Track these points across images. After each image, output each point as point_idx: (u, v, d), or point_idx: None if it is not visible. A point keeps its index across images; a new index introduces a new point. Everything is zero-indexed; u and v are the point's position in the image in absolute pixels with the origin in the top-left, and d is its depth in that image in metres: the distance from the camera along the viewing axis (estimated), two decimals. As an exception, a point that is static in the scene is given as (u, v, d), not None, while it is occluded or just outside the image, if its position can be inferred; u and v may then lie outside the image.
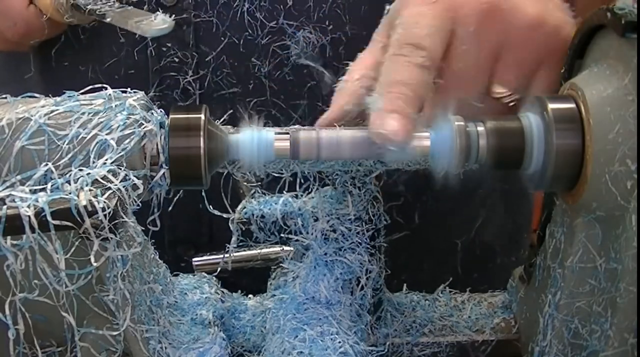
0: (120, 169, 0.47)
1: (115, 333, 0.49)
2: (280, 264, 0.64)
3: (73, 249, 0.45)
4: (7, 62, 0.85)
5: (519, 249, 0.89)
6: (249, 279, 0.77)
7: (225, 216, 0.61)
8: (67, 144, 0.48)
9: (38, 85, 0.81)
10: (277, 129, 0.53)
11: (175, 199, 0.55)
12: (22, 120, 0.48)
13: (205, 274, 0.66)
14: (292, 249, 0.63)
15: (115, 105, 0.49)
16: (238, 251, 0.64)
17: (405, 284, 0.69)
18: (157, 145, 0.50)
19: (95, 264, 0.44)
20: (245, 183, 0.63)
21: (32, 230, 0.43)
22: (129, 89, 0.52)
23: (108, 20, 0.66)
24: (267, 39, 0.74)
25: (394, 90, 0.51)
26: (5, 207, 0.43)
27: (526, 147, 0.51)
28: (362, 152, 0.53)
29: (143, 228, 0.51)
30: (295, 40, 0.74)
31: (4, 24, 0.71)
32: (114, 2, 0.67)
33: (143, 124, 0.49)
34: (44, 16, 0.71)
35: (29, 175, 0.47)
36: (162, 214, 0.52)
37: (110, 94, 0.50)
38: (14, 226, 0.43)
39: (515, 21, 0.55)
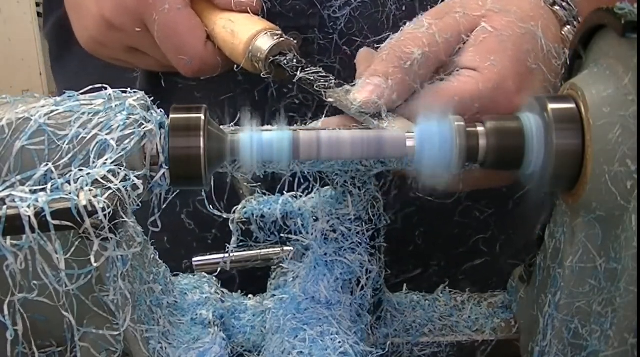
0: (120, 169, 0.47)
1: (115, 333, 0.49)
2: (280, 264, 0.64)
3: (73, 249, 0.45)
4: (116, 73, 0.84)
5: (519, 249, 0.89)
6: (249, 279, 0.77)
7: (225, 216, 0.61)
8: (67, 144, 0.48)
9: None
10: (277, 129, 0.53)
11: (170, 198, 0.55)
12: (22, 120, 0.48)
13: (205, 274, 0.66)
14: (292, 249, 0.63)
15: (115, 106, 0.49)
16: (238, 251, 0.64)
17: (405, 284, 0.69)
18: (157, 145, 0.50)
19: (95, 264, 0.44)
20: (245, 183, 0.63)
21: (32, 230, 0.43)
22: (128, 89, 0.52)
23: (319, 91, 0.62)
24: None
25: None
26: (5, 207, 0.43)
27: (526, 147, 0.51)
28: (362, 152, 0.53)
29: (143, 229, 0.51)
30: None
31: (179, 60, 0.68)
32: (323, 73, 0.63)
33: (143, 124, 0.49)
34: (237, 65, 0.68)
35: (29, 176, 0.47)
36: (163, 214, 0.52)
37: (110, 94, 0.50)
38: (14, 226, 0.43)
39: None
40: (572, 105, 0.50)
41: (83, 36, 0.75)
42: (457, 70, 0.59)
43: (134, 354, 0.50)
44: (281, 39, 0.66)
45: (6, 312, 0.45)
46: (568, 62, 0.55)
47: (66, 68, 0.90)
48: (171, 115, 0.51)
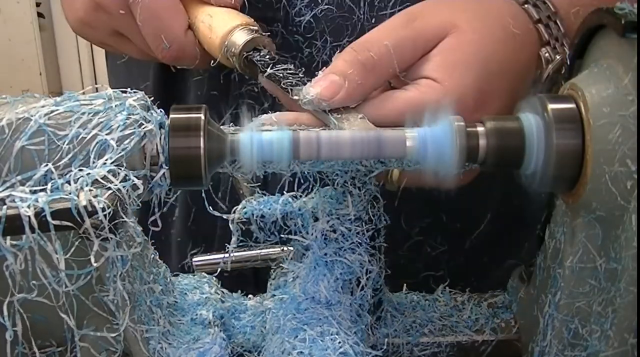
0: (120, 169, 0.47)
1: (115, 334, 0.49)
2: (280, 264, 0.64)
3: (73, 249, 0.45)
4: (129, 68, 0.85)
5: (519, 249, 0.89)
6: (249, 279, 0.77)
7: (225, 216, 0.61)
8: (67, 144, 0.48)
9: (152, 93, 0.81)
10: (277, 129, 0.53)
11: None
12: (22, 120, 0.48)
13: (205, 274, 0.66)
14: (292, 249, 0.63)
15: (115, 106, 0.49)
16: (238, 251, 0.64)
17: (405, 284, 0.69)
18: (157, 145, 0.50)
19: (95, 264, 0.44)
20: (245, 183, 0.63)
21: (32, 230, 0.43)
22: (128, 89, 0.52)
23: (281, 85, 0.62)
24: None
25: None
26: (5, 207, 0.43)
27: (526, 147, 0.51)
28: (362, 152, 0.53)
29: (143, 228, 0.51)
30: None
31: (158, 44, 0.68)
32: (296, 70, 0.62)
33: (143, 124, 0.49)
34: (212, 60, 0.69)
35: (29, 176, 0.47)
36: (163, 214, 0.52)
37: (110, 94, 0.50)
38: (14, 226, 0.43)
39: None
40: (572, 105, 0.50)
41: (72, 17, 0.76)
42: (418, 79, 0.59)
43: (134, 354, 0.50)
44: (256, 34, 0.66)
45: (5, 312, 0.45)
46: (568, 62, 0.55)
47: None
48: (171, 115, 0.51)
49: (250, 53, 0.65)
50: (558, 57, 0.62)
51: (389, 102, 0.58)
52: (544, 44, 0.62)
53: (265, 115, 0.58)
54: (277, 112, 0.59)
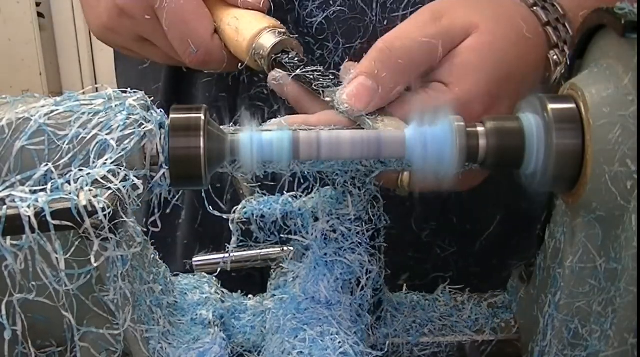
0: (120, 169, 0.47)
1: (115, 333, 0.49)
2: (280, 264, 0.64)
3: (73, 249, 0.45)
4: (142, 70, 0.85)
5: (519, 248, 0.89)
6: (249, 278, 0.77)
7: (225, 216, 0.61)
8: (67, 144, 0.48)
9: (163, 94, 0.83)
10: (277, 129, 0.53)
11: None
12: (22, 120, 0.48)
13: (205, 274, 0.66)
14: (292, 249, 0.63)
15: (115, 105, 0.49)
16: (238, 251, 0.64)
17: (405, 284, 0.69)
18: (157, 145, 0.50)
19: (95, 264, 0.44)
20: (245, 183, 0.63)
21: (32, 230, 0.43)
22: (128, 89, 0.52)
23: (317, 90, 0.62)
24: None
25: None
26: (5, 207, 0.43)
27: (526, 147, 0.51)
28: (362, 152, 0.53)
29: (144, 229, 0.51)
30: None
31: (185, 49, 0.68)
32: (325, 72, 0.62)
33: (143, 124, 0.49)
34: (240, 62, 0.69)
35: (29, 176, 0.47)
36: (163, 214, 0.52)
37: (110, 94, 0.50)
38: (14, 226, 0.43)
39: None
40: (572, 105, 0.50)
41: (95, 23, 0.76)
42: (431, 82, 0.59)
43: (134, 354, 0.50)
44: (284, 37, 0.66)
45: (4, 312, 0.45)
46: (568, 62, 0.55)
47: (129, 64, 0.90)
48: (171, 115, 0.51)
49: (279, 55, 0.65)
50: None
51: (401, 106, 0.58)
52: (552, 46, 0.62)
53: (275, 119, 0.58)
54: (286, 116, 0.59)
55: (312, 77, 0.62)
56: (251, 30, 0.67)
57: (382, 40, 0.58)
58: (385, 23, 0.72)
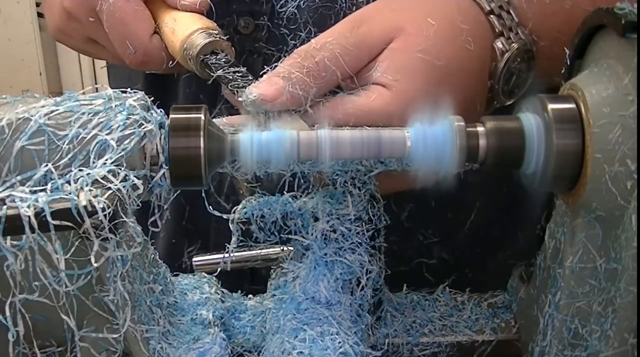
0: (120, 169, 0.47)
1: (115, 336, 0.49)
2: (280, 264, 0.64)
3: (73, 249, 0.45)
4: (122, 70, 0.86)
5: (511, 250, 0.89)
6: (249, 278, 0.77)
7: (225, 216, 0.61)
8: (67, 144, 0.48)
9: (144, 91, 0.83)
10: (277, 130, 0.53)
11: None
12: (22, 120, 0.48)
13: (205, 274, 0.66)
14: (292, 249, 0.63)
15: (115, 106, 0.49)
16: (238, 251, 0.64)
17: (405, 284, 0.69)
18: (157, 145, 0.50)
19: (95, 264, 0.44)
20: (245, 183, 0.63)
21: (32, 230, 0.43)
22: (128, 90, 0.52)
23: (228, 87, 0.63)
24: None
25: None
26: (5, 207, 0.43)
27: (526, 147, 0.51)
28: (362, 152, 0.53)
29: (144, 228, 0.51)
30: None
31: (125, 50, 0.70)
32: (246, 73, 0.63)
33: (143, 124, 0.49)
34: (171, 60, 0.70)
35: (29, 176, 0.47)
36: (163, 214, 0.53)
37: (110, 94, 0.50)
38: (14, 226, 0.43)
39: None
40: (572, 105, 0.50)
41: (50, 26, 0.78)
42: (369, 85, 0.59)
43: (134, 354, 0.50)
44: (215, 38, 0.67)
45: (7, 313, 0.45)
46: (568, 62, 0.55)
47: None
48: (171, 115, 0.51)
49: (207, 56, 0.66)
50: (515, 45, 0.62)
51: (339, 107, 0.58)
52: (497, 35, 0.62)
53: (218, 119, 0.59)
54: (229, 116, 0.60)
55: (230, 77, 0.63)
56: (185, 31, 0.68)
57: (300, 48, 0.59)
58: (354, 9, 0.72)
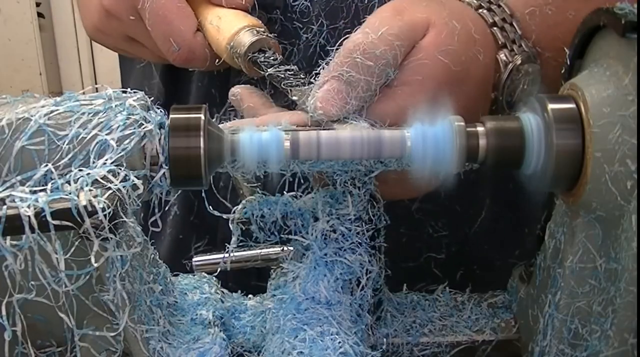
0: (120, 169, 0.47)
1: (115, 334, 0.49)
2: (280, 264, 0.64)
3: (73, 249, 0.45)
4: (142, 68, 0.86)
5: (519, 248, 0.89)
6: (249, 278, 0.77)
7: (225, 216, 0.61)
8: (67, 144, 0.48)
9: (160, 91, 0.84)
10: (277, 130, 0.53)
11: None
12: (22, 120, 0.48)
13: (205, 274, 0.66)
14: (292, 249, 0.63)
15: (115, 106, 0.49)
16: (238, 251, 0.64)
17: (413, 280, 0.69)
18: (157, 145, 0.50)
19: (95, 264, 0.44)
20: (245, 183, 0.63)
21: (32, 230, 0.43)
22: (128, 90, 0.52)
23: (281, 86, 0.63)
24: None
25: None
26: (5, 207, 0.43)
27: (526, 147, 0.51)
28: (362, 152, 0.53)
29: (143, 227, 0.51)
30: None
31: (168, 47, 0.69)
32: (297, 72, 0.63)
33: (143, 124, 0.49)
34: (217, 58, 0.70)
35: (29, 176, 0.47)
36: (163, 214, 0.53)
37: (110, 94, 0.50)
38: (14, 226, 0.43)
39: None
40: (572, 105, 0.50)
41: (88, 25, 0.78)
42: (395, 85, 0.58)
43: (134, 354, 0.50)
44: (262, 36, 0.66)
45: (4, 312, 0.45)
46: (568, 62, 0.55)
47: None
48: (171, 116, 0.51)
49: (255, 54, 0.66)
50: (518, 57, 0.62)
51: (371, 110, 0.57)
52: (500, 47, 0.62)
53: (229, 122, 0.59)
54: (246, 118, 0.60)
55: (282, 76, 0.62)
56: (231, 29, 0.68)
57: (349, 41, 0.58)
58: (366, 2, 0.72)
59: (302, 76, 0.62)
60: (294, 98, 0.59)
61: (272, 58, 0.65)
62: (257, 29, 0.67)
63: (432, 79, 0.58)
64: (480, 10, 0.63)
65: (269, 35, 0.67)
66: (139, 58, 0.81)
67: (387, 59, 0.57)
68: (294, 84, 0.61)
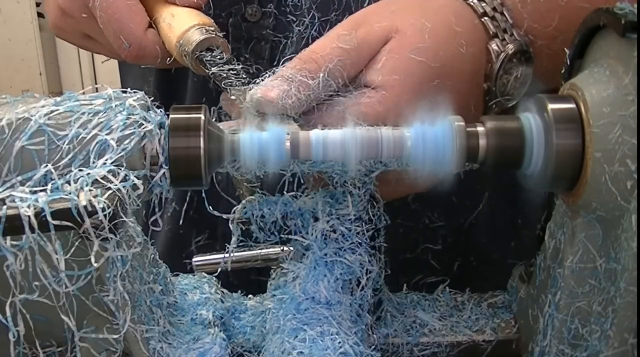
0: (120, 169, 0.47)
1: (115, 336, 0.49)
2: (280, 264, 0.64)
3: (73, 249, 0.45)
4: (134, 65, 0.86)
5: (515, 241, 0.88)
6: (249, 278, 0.77)
7: (225, 216, 0.61)
8: (67, 144, 0.48)
9: (157, 88, 0.84)
10: (277, 129, 0.53)
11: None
12: (22, 120, 0.48)
13: (205, 274, 0.66)
14: (292, 249, 0.63)
15: (115, 106, 0.49)
16: (238, 251, 0.64)
17: (405, 284, 0.69)
18: (157, 145, 0.50)
19: (95, 264, 0.44)
20: (245, 183, 0.63)
21: (32, 230, 0.43)
22: (128, 90, 0.52)
23: (226, 88, 0.63)
24: None
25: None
26: (5, 207, 0.43)
27: (526, 147, 0.51)
28: (362, 152, 0.53)
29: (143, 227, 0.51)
30: None
31: (120, 44, 0.70)
32: (240, 72, 0.64)
33: (143, 124, 0.49)
34: (169, 56, 0.70)
35: (29, 176, 0.47)
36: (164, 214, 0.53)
37: (110, 94, 0.50)
38: (14, 226, 0.43)
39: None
40: (572, 105, 0.50)
41: (49, 22, 0.80)
42: (362, 87, 0.59)
43: (134, 354, 0.50)
44: (211, 34, 0.67)
45: (8, 313, 0.45)
46: (568, 62, 0.55)
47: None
48: (171, 115, 0.51)
49: (203, 52, 0.66)
50: (510, 46, 0.62)
51: (333, 111, 0.58)
52: (491, 37, 0.62)
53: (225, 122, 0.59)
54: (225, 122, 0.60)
55: (224, 75, 0.63)
56: (181, 26, 0.68)
57: (303, 53, 0.59)
58: None
59: (244, 76, 0.62)
60: (233, 97, 0.60)
61: (218, 57, 0.65)
62: (207, 27, 0.68)
63: (411, 77, 0.58)
64: (470, 1, 0.63)
65: (219, 34, 0.68)
66: (98, 54, 0.82)
67: (334, 69, 0.58)
68: (234, 83, 0.61)
